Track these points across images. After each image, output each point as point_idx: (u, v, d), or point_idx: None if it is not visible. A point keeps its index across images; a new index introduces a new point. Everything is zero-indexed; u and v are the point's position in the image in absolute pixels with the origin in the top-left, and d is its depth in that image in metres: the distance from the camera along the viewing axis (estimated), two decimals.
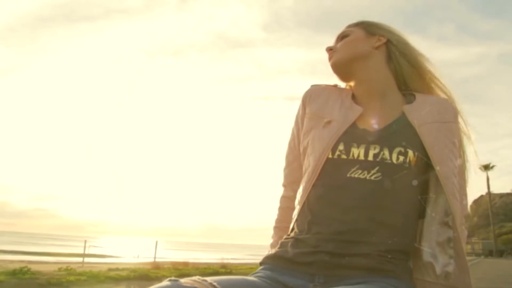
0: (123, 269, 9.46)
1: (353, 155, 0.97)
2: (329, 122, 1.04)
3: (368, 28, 1.12)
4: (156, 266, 11.67)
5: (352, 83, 1.13)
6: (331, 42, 1.19)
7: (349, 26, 1.15)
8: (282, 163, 1.20)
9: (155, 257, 16.50)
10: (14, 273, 6.85)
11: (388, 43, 1.11)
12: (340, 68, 1.11)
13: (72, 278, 7.13)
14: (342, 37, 1.14)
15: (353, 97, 1.10)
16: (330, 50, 1.14)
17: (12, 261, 13.28)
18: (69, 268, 9.03)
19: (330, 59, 1.13)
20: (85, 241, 16.92)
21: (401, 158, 0.94)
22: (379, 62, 1.09)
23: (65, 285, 6.72)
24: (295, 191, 1.08)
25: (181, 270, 10.09)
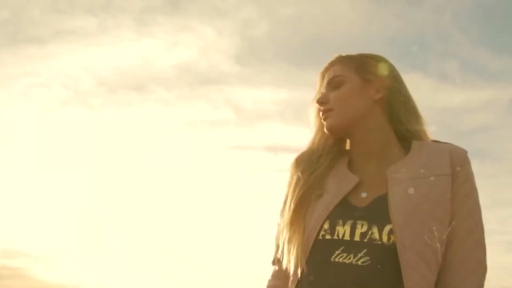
0: None
1: (337, 235, 0.84)
2: (320, 195, 0.91)
3: (364, 73, 0.95)
4: None
5: (347, 140, 1.01)
6: (314, 78, 1.01)
7: (339, 64, 0.97)
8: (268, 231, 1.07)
9: None
10: None
11: (388, 91, 0.94)
12: (338, 132, 0.96)
13: None
14: (335, 84, 0.95)
15: (350, 161, 0.97)
16: (322, 104, 0.96)
17: None
18: None
19: (324, 119, 0.96)
20: None
21: (393, 238, 0.80)
22: (379, 119, 0.94)
23: None
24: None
25: None
